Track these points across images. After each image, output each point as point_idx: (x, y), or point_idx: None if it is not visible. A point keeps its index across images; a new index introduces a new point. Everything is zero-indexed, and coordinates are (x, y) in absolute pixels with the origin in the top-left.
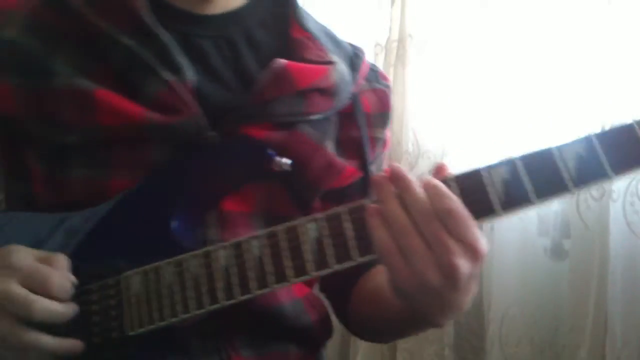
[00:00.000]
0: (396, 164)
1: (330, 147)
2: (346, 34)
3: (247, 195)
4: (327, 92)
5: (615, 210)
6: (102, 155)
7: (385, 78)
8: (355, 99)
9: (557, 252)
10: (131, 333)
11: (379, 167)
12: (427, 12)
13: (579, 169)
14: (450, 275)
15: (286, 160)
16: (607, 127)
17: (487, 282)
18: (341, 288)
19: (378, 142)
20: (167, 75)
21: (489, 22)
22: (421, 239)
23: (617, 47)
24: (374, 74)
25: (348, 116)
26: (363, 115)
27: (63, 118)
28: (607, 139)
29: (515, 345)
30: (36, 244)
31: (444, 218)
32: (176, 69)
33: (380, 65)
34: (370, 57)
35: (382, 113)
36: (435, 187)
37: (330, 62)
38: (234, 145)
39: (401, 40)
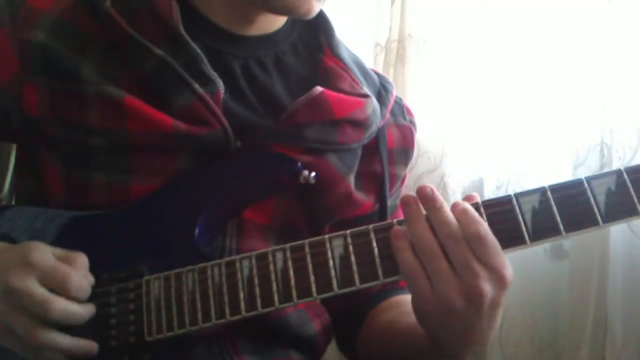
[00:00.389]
0: (426, 185)
1: (352, 181)
2: (346, 34)
3: (267, 207)
4: (360, 124)
5: None
6: (125, 160)
7: (410, 113)
8: (380, 133)
9: (557, 252)
10: (149, 339)
11: (395, 200)
12: (427, 12)
13: (608, 203)
14: (475, 299)
15: (312, 174)
16: (609, 128)
17: None
18: (349, 319)
19: (397, 179)
20: (198, 87)
21: (489, 22)
22: (447, 262)
23: (618, 46)
24: (400, 108)
25: (372, 149)
26: (386, 151)
27: (89, 122)
28: (638, 174)
29: (515, 346)
30: (55, 240)
31: (472, 242)
32: (206, 81)
33: (380, 66)
34: (370, 57)
35: (405, 150)
36: (465, 211)
37: (365, 95)
38: (263, 155)
39: (401, 41)
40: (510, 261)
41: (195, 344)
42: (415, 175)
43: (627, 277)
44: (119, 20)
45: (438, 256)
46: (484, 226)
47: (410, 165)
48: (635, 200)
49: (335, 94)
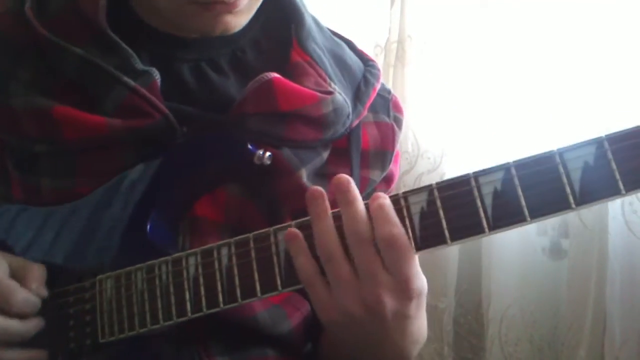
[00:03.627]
0: (343, 175)
1: (304, 175)
2: (346, 35)
3: (219, 204)
4: (315, 122)
5: (613, 209)
6: (69, 163)
7: (397, 108)
8: (353, 133)
9: (556, 251)
10: (102, 341)
11: None
12: (427, 13)
13: (584, 181)
14: (374, 309)
15: (268, 154)
16: (607, 128)
17: (487, 282)
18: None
19: (371, 183)
20: (129, 80)
21: (488, 23)
22: (350, 266)
23: (617, 46)
24: (384, 103)
25: (341, 152)
26: (358, 154)
27: (28, 133)
28: (622, 144)
29: (514, 344)
30: (59, 220)
31: (383, 245)
32: (139, 75)
33: (380, 67)
34: None
35: (382, 152)
36: (381, 207)
37: (326, 92)
38: (211, 139)
39: (400, 42)
40: (509, 260)
41: (162, 345)
42: (415, 175)
43: (626, 277)
44: (32, 21)
45: (338, 259)
46: (397, 228)
47: (409, 165)
48: (617, 176)
49: (286, 83)
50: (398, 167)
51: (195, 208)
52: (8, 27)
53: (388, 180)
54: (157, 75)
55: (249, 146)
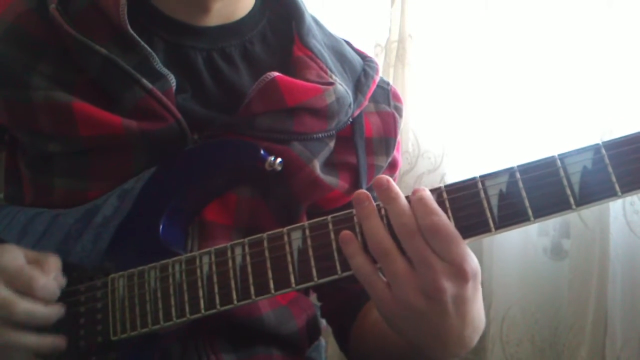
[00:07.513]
0: (383, 176)
1: (317, 166)
2: (346, 35)
3: (229, 207)
4: (320, 113)
5: (615, 209)
6: (82, 164)
7: (397, 98)
8: (356, 122)
9: (557, 252)
10: (114, 338)
11: None
12: (427, 13)
13: (583, 184)
14: (434, 296)
15: (279, 160)
16: (608, 129)
17: (488, 283)
18: (343, 316)
19: (379, 169)
20: (147, 83)
21: (489, 23)
22: (403, 259)
23: (617, 46)
24: (384, 93)
25: (346, 140)
26: (363, 141)
27: (44, 129)
28: (618, 150)
29: (516, 345)
30: (33, 239)
31: (428, 235)
32: (157, 78)
33: (380, 66)
34: None
35: (385, 139)
36: (421, 199)
37: (328, 84)
38: (223, 143)
39: (401, 41)
40: (510, 260)
41: (170, 342)
42: (415, 175)
43: (627, 277)
44: (60, 21)
45: (392, 254)
46: (441, 217)
47: (410, 165)
48: (614, 179)
49: (289, 80)
50: (400, 154)
51: (204, 213)
52: (30, 24)
53: (392, 167)
54: (173, 82)
55: (261, 152)
